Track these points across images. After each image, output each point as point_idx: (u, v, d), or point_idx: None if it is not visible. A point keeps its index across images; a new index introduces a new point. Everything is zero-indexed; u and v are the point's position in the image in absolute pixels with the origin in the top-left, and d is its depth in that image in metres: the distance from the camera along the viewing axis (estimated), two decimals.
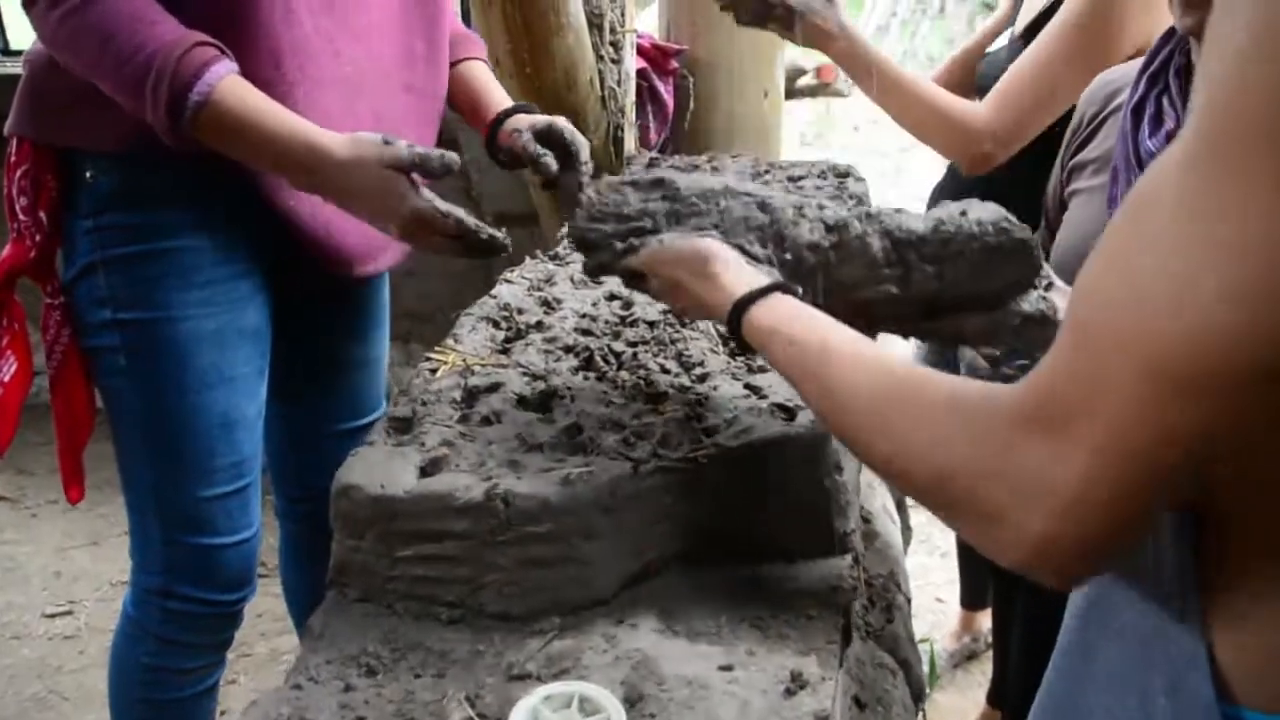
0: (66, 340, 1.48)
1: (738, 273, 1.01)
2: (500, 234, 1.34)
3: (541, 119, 1.55)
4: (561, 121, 1.53)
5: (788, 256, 1.09)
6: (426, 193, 1.30)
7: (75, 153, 1.42)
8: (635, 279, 1.13)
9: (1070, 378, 0.57)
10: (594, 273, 1.18)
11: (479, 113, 1.65)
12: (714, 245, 1.05)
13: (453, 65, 1.67)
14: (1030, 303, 1.09)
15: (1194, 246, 0.51)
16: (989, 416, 0.63)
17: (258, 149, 1.29)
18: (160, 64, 1.23)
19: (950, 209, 1.09)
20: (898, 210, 1.11)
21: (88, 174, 1.41)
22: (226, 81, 1.26)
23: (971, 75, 2.24)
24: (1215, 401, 0.52)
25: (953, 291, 1.08)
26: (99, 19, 1.23)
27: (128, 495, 1.55)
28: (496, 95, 1.66)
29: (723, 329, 1.08)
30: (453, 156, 1.32)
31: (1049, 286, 1.12)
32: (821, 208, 1.11)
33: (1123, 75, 1.45)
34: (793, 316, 0.92)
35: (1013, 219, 1.07)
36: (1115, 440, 0.55)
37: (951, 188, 2.24)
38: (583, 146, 1.50)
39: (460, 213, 1.31)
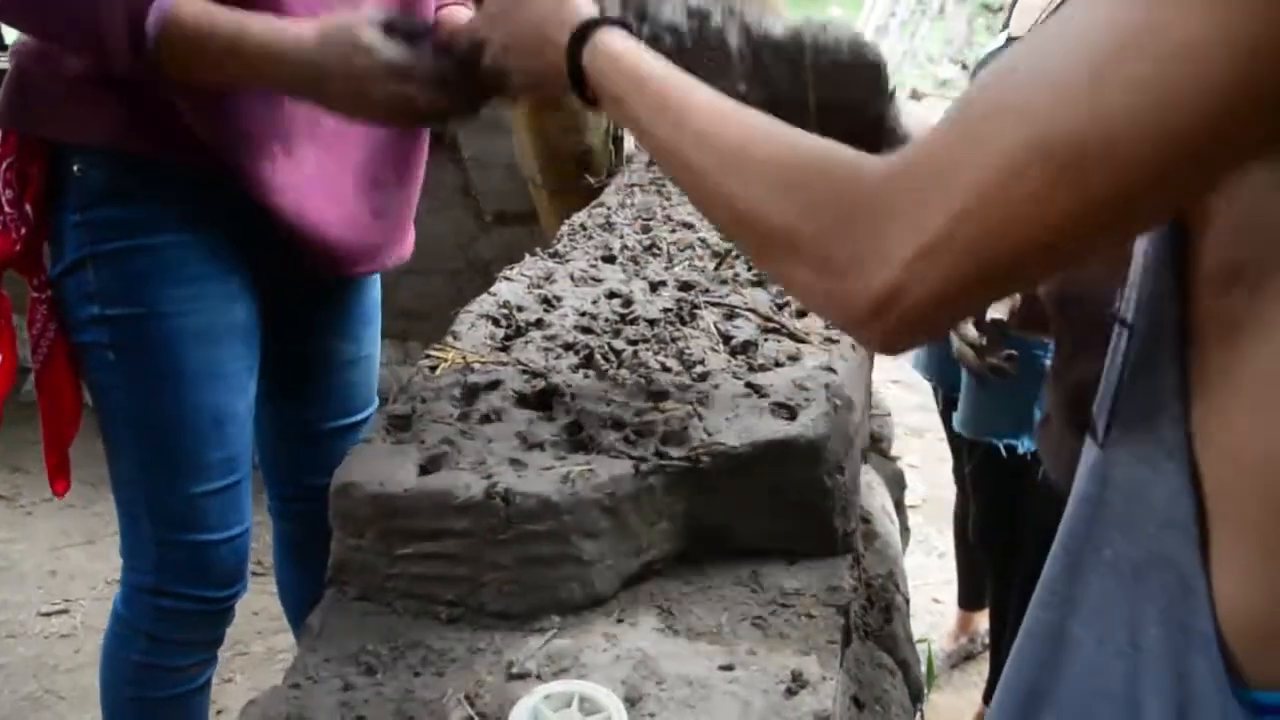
0: (53, 334, 1.46)
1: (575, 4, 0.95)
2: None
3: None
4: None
5: (645, 31, 1.08)
6: (393, 49, 1.20)
7: (63, 146, 1.40)
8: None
9: (951, 142, 0.58)
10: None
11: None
12: None
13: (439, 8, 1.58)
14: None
15: (1117, 48, 0.52)
16: (856, 170, 0.64)
17: (228, 68, 1.23)
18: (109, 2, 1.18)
19: (813, 23, 1.10)
20: (763, 13, 1.12)
21: (75, 168, 1.40)
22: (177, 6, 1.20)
23: None
24: (1092, 192, 0.54)
25: (798, 100, 1.09)
26: None
27: (117, 493, 1.54)
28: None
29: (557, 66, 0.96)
30: (424, 21, 1.27)
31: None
32: None
33: None
34: (643, 52, 0.87)
35: (868, 41, 1.09)
36: (982, 205, 0.56)
37: None
38: None
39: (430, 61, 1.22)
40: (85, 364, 1.48)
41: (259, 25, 1.23)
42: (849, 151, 0.66)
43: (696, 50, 1.09)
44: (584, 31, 0.91)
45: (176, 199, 1.40)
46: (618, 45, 0.89)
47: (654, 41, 1.06)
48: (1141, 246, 0.66)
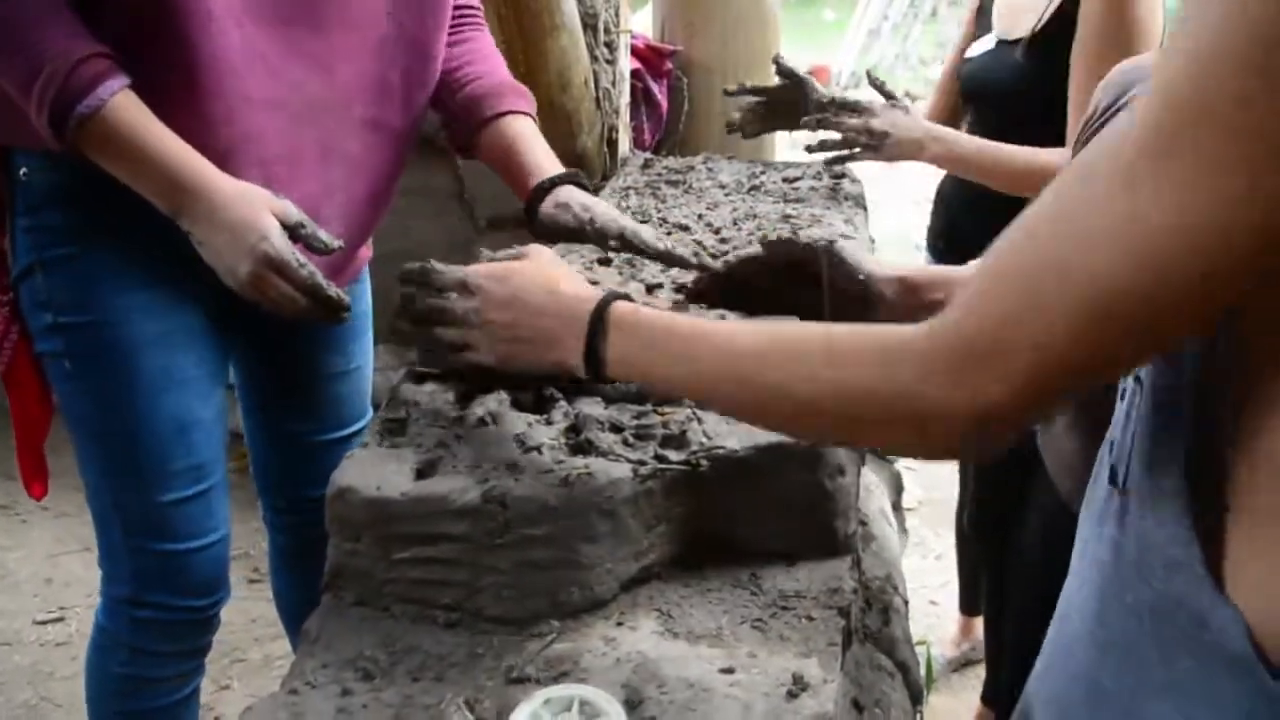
0: (15, 336, 1.45)
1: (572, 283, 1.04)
2: (345, 297, 1.32)
3: (601, 216, 1.46)
4: (628, 231, 1.44)
5: None
6: (289, 243, 1.28)
7: (10, 149, 1.38)
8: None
9: (1005, 316, 0.63)
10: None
11: (518, 177, 1.55)
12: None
13: (494, 118, 1.57)
14: None
15: (1143, 213, 0.56)
16: (902, 348, 0.69)
17: (141, 166, 1.27)
18: (52, 69, 1.21)
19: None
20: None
21: (21, 171, 1.37)
22: (120, 97, 1.24)
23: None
24: (1159, 334, 0.60)
25: None
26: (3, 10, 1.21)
27: (90, 503, 1.52)
28: (538, 158, 1.55)
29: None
30: (337, 242, 1.33)
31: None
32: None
33: (1140, 67, 1.44)
34: (656, 314, 0.94)
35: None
36: (1053, 363, 0.61)
37: (954, 191, 2.24)
38: (649, 238, 1.44)
39: (314, 268, 1.30)
40: (47, 373, 1.46)
41: (179, 155, 1.28)
42: (891, 332, 0.72)
43: None
44: (599, 317, 0.96)
45: (126, 202, 1.35)
46: (630, 317, 0.95)
47: None
48: None
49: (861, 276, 1.19)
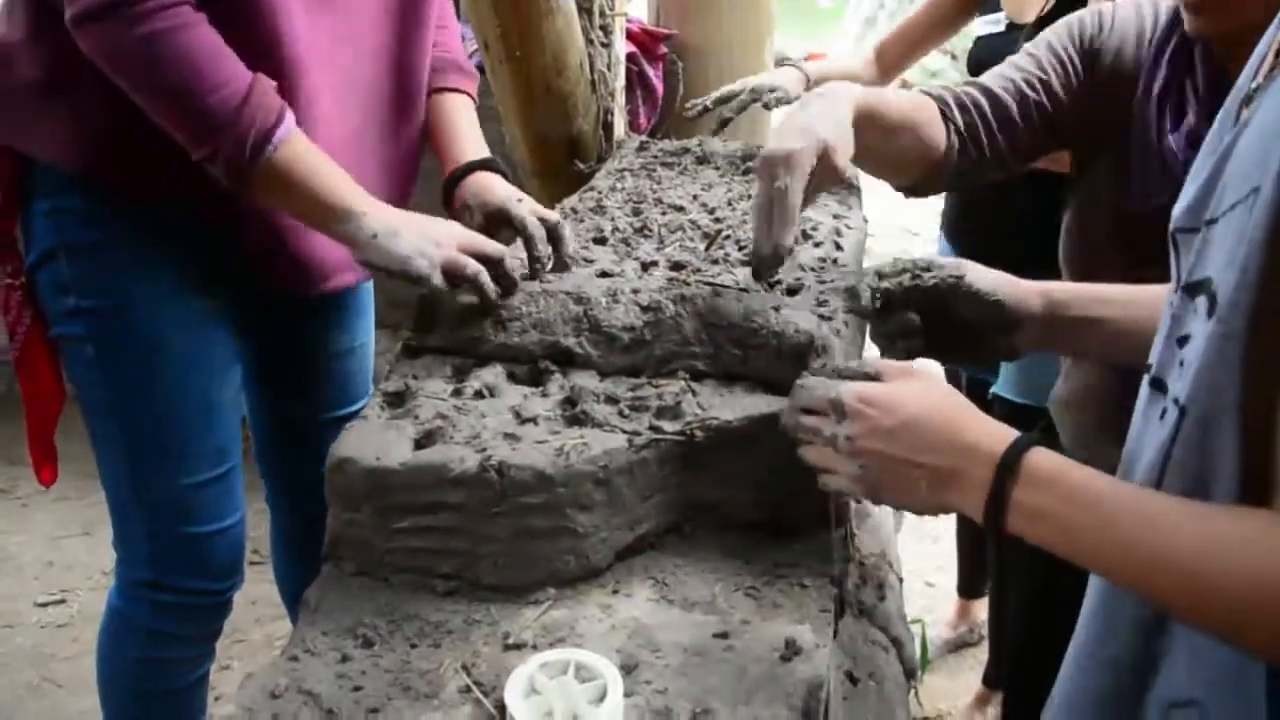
0: (29, 322, 1.44)
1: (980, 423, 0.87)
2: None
3: (495, 199, 1.45)
4: (517, 208, 1.42)
5: (601, 339, 1.23)
6: None
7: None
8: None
9: None
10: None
11: (443, 154, 1.58)
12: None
13: (439, 91, 1.61)
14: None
15: None
16: None
17: (322, 191, 1.27)
18: (254, 98, 1.21)
19: (767, 302, 1.23)
20: (714, 293, 1.25)
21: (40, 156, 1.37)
22: (296, 129, 1.26)
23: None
24: None
25: (754, 374, 1.21)
26: (187, 46, 1.19)
27: (108, 489, 1.53)
28: (465, 141, 1.59)
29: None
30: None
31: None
32: (635, 291, 1.26)
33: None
34: (1072, 470, 0.79)
35: (805, 340, 1.18)
36: None
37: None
38: (536, 235, 1.38)
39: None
40: (65, 358, 1.46)
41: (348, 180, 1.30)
42: None
43: (655, 340, 1.22)
44: (1011, 463, 0.81)
45: (144, 191, 1.38)
46: (1048, 469, 0.80)
47: (611, 342, 1.22)
48: (1205, 329, 0.69)
49: (994, 299, 1.14)
